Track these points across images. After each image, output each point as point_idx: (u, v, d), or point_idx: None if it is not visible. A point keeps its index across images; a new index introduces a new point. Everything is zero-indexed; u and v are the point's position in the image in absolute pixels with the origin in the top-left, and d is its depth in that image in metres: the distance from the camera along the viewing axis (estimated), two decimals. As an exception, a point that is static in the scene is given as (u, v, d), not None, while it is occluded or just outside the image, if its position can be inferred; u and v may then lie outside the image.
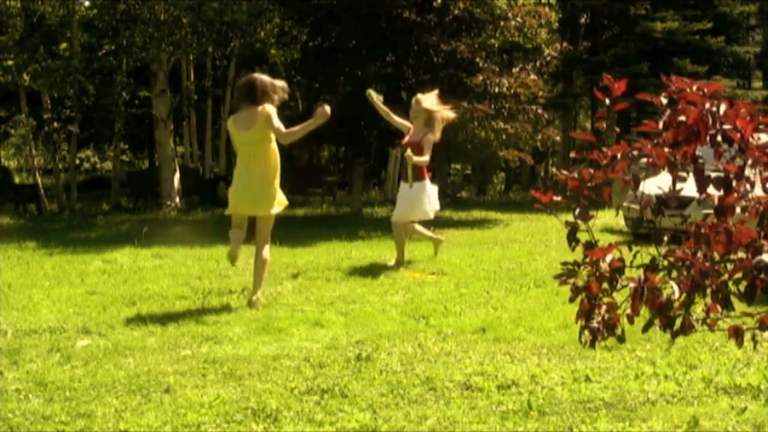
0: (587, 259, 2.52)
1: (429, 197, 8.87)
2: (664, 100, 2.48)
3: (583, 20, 27.84)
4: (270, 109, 6.70)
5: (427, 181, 8.83)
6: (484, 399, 4.25)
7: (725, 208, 2.42)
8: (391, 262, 8.85)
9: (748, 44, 28.30)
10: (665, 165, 2.45)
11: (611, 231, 12.02)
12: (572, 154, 2.72)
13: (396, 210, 8.97)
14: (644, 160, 2.57)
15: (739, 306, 2.52)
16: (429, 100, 8.92)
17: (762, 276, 2.35)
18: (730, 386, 4.33)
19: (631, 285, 2.45)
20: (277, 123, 6.66)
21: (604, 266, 2.49)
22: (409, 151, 8.57)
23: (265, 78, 6.88)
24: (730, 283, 2.45)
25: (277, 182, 6.88)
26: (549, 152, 31.03)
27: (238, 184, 6.91)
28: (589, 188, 2.54)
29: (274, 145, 6.83)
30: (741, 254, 2.42)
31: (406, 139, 8.84)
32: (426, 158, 8.67)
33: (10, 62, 17.10)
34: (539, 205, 2.61)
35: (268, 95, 6.76)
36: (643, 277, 2.45)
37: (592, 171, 2.54)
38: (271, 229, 7.03)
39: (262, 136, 6.73)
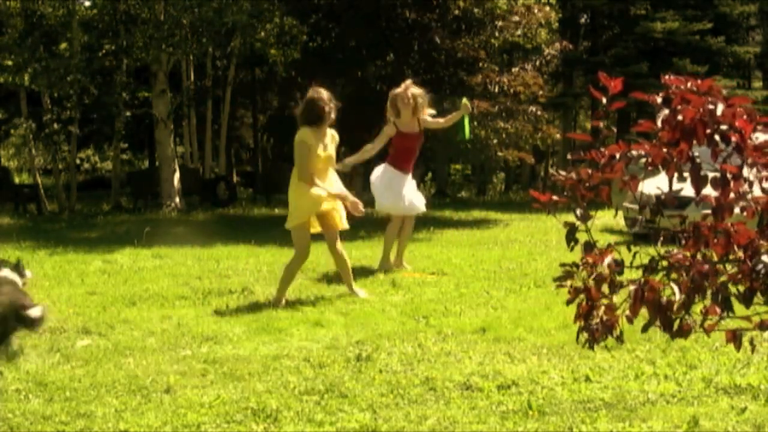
0: (586, 261, 2.52)
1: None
2: (659, 99, 2.48)
3: (583, 20, 27.84)
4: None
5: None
6: (484, 399, 4.25)
7: (722, 207, 2.42)
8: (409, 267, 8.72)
9: (748, 44, 28.29)
10: (662, 164, 2.44)
11: (611, 231, 12.02)
12: (569, 156, 2.73)
13: (416, 202, 8.71)
14: (643, 160, 2.57)
15: (739, 308, 2.51)
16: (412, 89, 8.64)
17: (761, 279, 2.35)
18: (730, 386, 4.33)
19: (632, 287, 2.45)
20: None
21: (602, 269, 2.48)
22: (465, 100, 8.57)
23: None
24: (729, 285, 2.45)
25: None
26: (549, 152, 31.03)
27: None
28: (586, 188, 2.53)
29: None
30: (740, 254, 2.42)
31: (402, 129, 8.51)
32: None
33: (10, 62, 17.11)
34: (538, 205, 2.61)
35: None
36: (642, 279, 2.45)
37: (589, 171, 2.53)
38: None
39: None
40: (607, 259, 2.49)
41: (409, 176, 8.66)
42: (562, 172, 2.56)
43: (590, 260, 2.50)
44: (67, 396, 4.39)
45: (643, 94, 2.57)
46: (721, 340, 5.04)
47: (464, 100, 8.48)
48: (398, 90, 8.48)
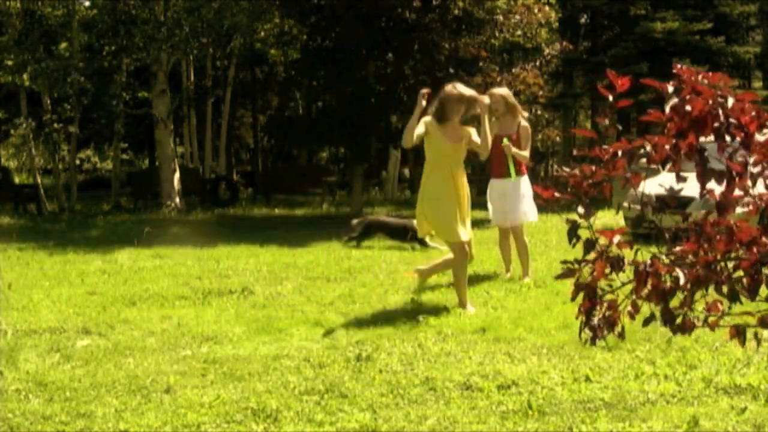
0: (594, 249, 2.52)
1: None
2: (670, 89, 2.47)
3: (583, 20, 27.85)
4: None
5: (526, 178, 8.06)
6: (484, 399, 4.25)
7: (727, 203, 2.42)
8: (526, 278, 7.85)
9: (748, 44, 28.28)
10: (666, 159, 2.44)
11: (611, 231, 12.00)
12: (575, 152, 2.74)
13: (508, 213, 8.01)
14: (644, 160, 2.57)
15: (739, 306, 2.51)
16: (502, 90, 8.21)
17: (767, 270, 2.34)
18: (730, 386, 4.33)
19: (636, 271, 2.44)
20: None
21: (612, 248, 2.48)
22: (506, 140, 7.77)
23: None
24: (735, 274, 2.44)
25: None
26: (549, 152, 31.03)
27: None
28: (590, 185, 2.53)
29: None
30: (741, 252, 2.41)
31: (496, 132, 7.72)
32: (526, 153, 7.93)
33: (10, 62, 17.12)
34: (540, 201, 2.61)
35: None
36: (649, 261, 2.44)
37: (593, 167, 2.53)
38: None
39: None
40: (617, 238, 2.48)
41: (510, 181, 7.93)
42: (566, 169, 2.56)
43: (604, 236, 2.51)
44: (67, 396, 4.38)
45: (653, 81, 2.55)
46: (721, 340, 5.05)
47: (505, 140, 7.79)
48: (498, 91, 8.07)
